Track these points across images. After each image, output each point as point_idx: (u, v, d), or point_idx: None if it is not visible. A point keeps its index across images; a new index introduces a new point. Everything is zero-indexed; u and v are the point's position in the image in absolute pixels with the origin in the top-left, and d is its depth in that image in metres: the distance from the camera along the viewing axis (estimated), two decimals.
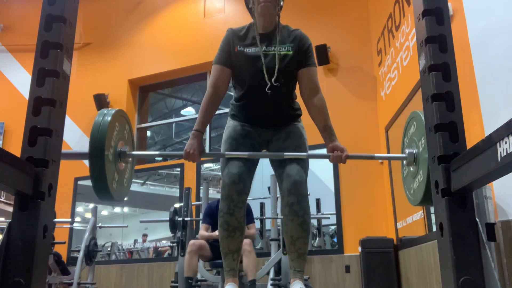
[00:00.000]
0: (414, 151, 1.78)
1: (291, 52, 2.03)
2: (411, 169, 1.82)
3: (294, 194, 1.95)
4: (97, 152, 1.65)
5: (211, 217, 3.82)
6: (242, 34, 2.09)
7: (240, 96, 2.10)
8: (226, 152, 2.01)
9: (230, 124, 2.16)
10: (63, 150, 1.46)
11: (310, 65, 2.06)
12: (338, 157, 1.89)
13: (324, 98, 2.05)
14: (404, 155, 1.82)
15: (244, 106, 2.11)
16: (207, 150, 6.81)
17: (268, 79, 1.97)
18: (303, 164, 2.02)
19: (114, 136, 1.76)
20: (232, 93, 2.26)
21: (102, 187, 1.67)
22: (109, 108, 1.79)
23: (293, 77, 2.07)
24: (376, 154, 1.99)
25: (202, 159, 2.00)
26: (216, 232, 3.66)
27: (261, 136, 2.14)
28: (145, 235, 6.80)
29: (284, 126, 2.12)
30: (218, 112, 6.83)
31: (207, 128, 6.70)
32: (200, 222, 3.93)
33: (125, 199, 7.00)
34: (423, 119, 1.61)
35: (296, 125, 2.14)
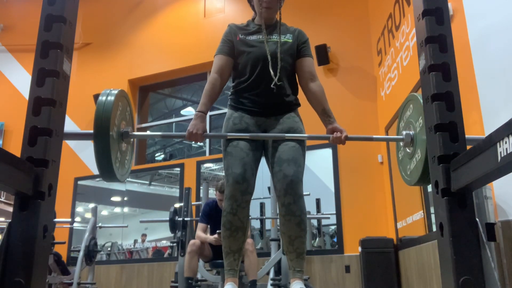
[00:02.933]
0: (411, 132, 1.82)
1: (291, 41, 2.14)
2: (408, 150, 1.85)
3: (291, 194, 1.95)
4: (102, 130, 1.65)
5: (209, 217, 3.81)
6: (244, 26, 2.21)
7: (241, 80, 2.12)
8: (228, 133, 2.04)
9: (229, 116, 2.15)
10: (68, 130, 1.46)
11: (307, 55, 2.17)
12: (338, 138, 1.94)
13: (321, 84, 2.13)
14: (401, 136, 1.86)
15: (244, 90, 2.11)
16: (207, 150, 6.81)
17: (271, 58, 2.05)
18: (299, 164, 2.02)
19: (117, 115, 1.76)
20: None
21: (107, 165, 1.67)
22: (111, 89, 1.79)
23: (292, 64, 2.15)
24: (374, 136, 2.05)
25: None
26: (211, 236, 3.66)
27: (260, 127, 2.11)
28: (144, 235, 6.79)
29: (283, 118, 2.11)
30: (217, 112, 6.84)
31: (207, 128, 6.69)
32: (198, 221, 3.92)
33: (125, 191, 7.00)
34: (421, 100, 1.65)
35: (295, 119, 2.13)
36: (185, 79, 7.26)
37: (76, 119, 6.88)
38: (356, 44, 5.94)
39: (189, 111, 7.90)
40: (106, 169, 1.68)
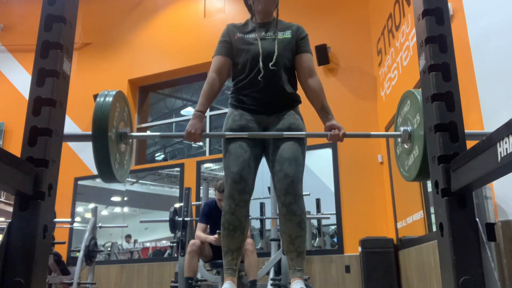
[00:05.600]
0: (409, 128, 1.82)
1: (289, 36, 2.14)
2: (406, 146, 1.85)
3: (291, 194, 1.96)
4: (100, 132, 1.65)
5: (208, 217, 3.81)
6: (242, 25, 2.21)
7: (241, 78, 2.12)
8: (227, 133, 2.04)
9: (230, 114, 2.16)
10: (67, 132, 1.46)
11: (306, 51, 2.16)
12: (335, 136, 1.95)
13: (320, 80, 2.12)
14: (399, 132, 1.86)
15: (244, 87, 2.11)
16: (207, 150, 6.81)
17: (263, 61, 2.04)
18: (300, 163, 2.02)
19: (115, 117, 1.76)
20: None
21: (106, 166, 1.67)
22: (109, 90, 1.80)
23: (291, 60, 2.14)
24: (372, 133, 2.05)
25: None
26: (211, 236, 3.66)
27: (261, 124, 2.12)
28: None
29: (284, 115, 2.11)
30: (217, 112, 6.84)
31: (207, 128, 6.70)
32: (198, 221, 3.92)
33: (125, 190, 7.00)
34: (418, 96, 1.68)
35: (295, 117, 2.13)
36: (185, 79, 7.26)
37: (76, 119, 6.87)
38: (356, 44, 5.94)
39: (189, 111, 7.89)
40: (105, 170, 1.68)
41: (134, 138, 1.92)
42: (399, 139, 1.90)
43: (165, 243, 6.55)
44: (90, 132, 1.66)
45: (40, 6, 1.40)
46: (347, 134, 1.95)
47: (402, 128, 1.86)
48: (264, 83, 2.06)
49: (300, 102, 2.20)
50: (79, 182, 6.82)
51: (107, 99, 1.72)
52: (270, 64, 2.04)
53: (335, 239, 5.56)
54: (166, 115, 8.17)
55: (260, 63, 2.04)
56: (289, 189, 1.96)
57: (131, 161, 2.00)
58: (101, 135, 1.65)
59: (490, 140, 1.12)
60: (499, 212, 2.74)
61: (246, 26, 2.20)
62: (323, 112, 2.06)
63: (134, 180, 7.08)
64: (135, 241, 6.81)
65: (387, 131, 5.11)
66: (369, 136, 2.05)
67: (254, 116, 2.11)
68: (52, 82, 1.34)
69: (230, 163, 2.01)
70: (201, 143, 7.05)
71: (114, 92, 1.76)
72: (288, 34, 2.14)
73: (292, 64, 2.15)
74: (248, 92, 2.11)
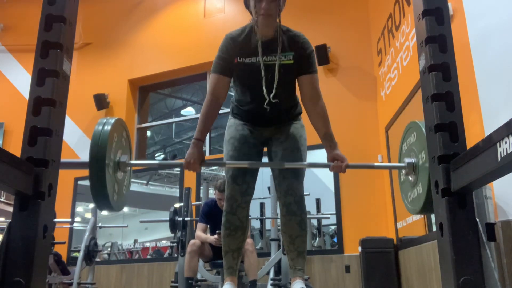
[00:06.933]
0: (413, 160, 1.75)
1: (292, 61, 1.98)
2: (410, 178, 1.79)
3: (291, 195, 1.99)
4: (97, 165, 1.63)
5: (208, 217, 3.80)
6: (241, 40, 2.01)
7: (242, 101, 2.12)
8: (227, 161, 2.02)
9: (232, 123, 2.17)
10: (63, 160, 1.44)
11: (311, 72, 2.01)
12: (338, 167, 1.90)
13: (325, 105, 2.01)
14: (403, 164, 1.79)
15: (245, 111, 2.13)
16: (207, 150, 6.81)
17: (267, 94, 1.95)
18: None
19: (113, 147, 1.73)
20: (232, 93, 2.25)
21: (103, 200, 1.67)
22: (107, 117, 1.78)
23: (294, 84, 2.07)
24: (376, 164, 2.00)
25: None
26: (211, 237, 3.66)
27: (263, 134, 2.14)
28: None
29: (285, 125, 2.13)
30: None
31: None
32: (198, 221, 3.92)
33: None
34: (424, 130, 1.57)
35: (296, 125, 2.15)
36: (185, 79, 7.26)
37: (76, 119, 6.87)
38: (356, 44, 5.94)
39: (189, 111, 7.89)
40: (102, 201, 1.68)
41: (133, 166, 1.88)
42: (403, 171, 1.83)
43: (165, 243, 6.55)
44: (87, 160, 1.64)
45: (40, 6, 1.40)
46: (349, 165, 1.89)
47: (407, 160, 1.77)
48: (267, 108, 2.01)
49: (301, 112, 2.19)
50: (79, 182, 6.81)
51: (105, 127, 1.68)
52: (271, 95, 1.96)
53: (335, 239, 5.56)
54: (166, 115, 8.17)
55: (266, 96, 1.95)
56: (289, 190, 1.98)
57: (130, 186, 1.97)
58: (98, 168, 1.63)
59: (490, 140, 1.12)
60: (499, 212, 2.74)
61: (246, 41, 2.00)
62: (327, 140, 1.97)
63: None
64: (135, 241, 6.81)
65: (387, 132, 5.12)
66: (372, 167, 1.99)
67: (255, 128, 2.13)
68: (52, 82, 1.34)
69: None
70: None
71: (112, 121, 1.73)
72: (290, 58, 1.98)
73: (293, 84, 2.07)
74: (250, 111, 2.12)
